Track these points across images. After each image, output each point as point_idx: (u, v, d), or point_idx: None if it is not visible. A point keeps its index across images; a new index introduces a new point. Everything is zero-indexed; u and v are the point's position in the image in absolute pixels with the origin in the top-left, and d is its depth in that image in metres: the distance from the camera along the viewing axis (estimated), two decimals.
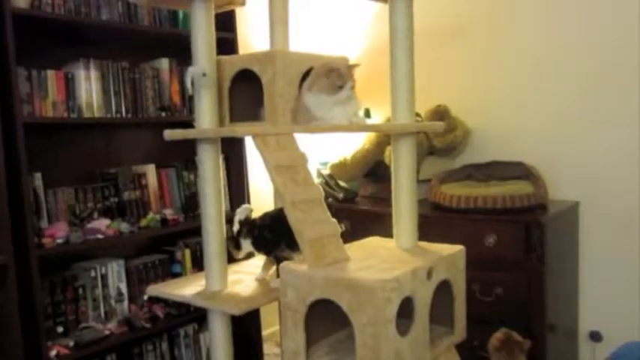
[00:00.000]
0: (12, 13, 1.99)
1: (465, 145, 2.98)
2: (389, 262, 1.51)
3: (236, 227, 1.71)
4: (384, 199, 2.83)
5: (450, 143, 2.83)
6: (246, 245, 1.70)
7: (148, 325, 2.41)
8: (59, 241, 2.18)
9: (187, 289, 1.69)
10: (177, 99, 2.62)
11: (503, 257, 2.32)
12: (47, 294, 2.22)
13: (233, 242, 1.71)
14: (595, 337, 2.63)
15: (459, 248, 1.67)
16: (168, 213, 2.55)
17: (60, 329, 2.24)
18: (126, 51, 2.58)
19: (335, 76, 1.58)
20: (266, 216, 1.70)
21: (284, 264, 1.51)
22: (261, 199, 2.93)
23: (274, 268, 1.70)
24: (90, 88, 2.32)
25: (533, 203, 2.39)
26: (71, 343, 2.18)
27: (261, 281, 1.71)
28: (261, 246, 1.69)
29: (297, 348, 1.48)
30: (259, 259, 1.81)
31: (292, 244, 1.55)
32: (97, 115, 2.34)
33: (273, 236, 1.64)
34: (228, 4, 1.77)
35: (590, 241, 2.64)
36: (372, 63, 2.44)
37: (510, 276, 2.31)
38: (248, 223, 1.71)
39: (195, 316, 2.63)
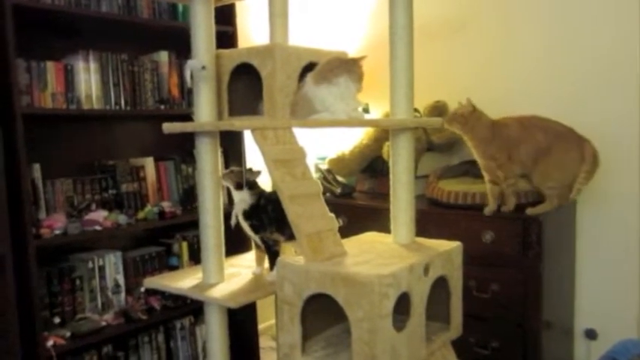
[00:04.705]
0: (12, 4, 1.99)
1: (463, 142, 2.98)
2: (386, 258, 1.52)
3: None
4: (381, 194, 2.83)
5: (449, 139, 2.83)
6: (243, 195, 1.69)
7: (144, 317, 2.42)
8: (57, 232, 2.18)
9: (184, 281, 1.69)
10: (176, 92, 2.62)
11: (500, 254, 2.32)
12: (44, 285, 2.22)
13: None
14: (590, 334, 2.64)
15: (456, 244, 1.67)
16: (166, 205, 2.55)
17: (57, 320, 2.24)
18: (125, 43, 2.57)
19: (356, 65, 1.59)
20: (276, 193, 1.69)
21: (281, 258, 1.52)
22: None
23: (266, 259, 1.71)
24: (89, 80, 2.32)
25: (531, 200, 2.39)
26: (68, 334, 2.19)
27: (258, 275, 1.72)
28: (253, 217, 1.68)
29: (293, 342, 1.48)
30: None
31: (282, 229, 1.55)
32: (95, 106, 2.33)
33: (274, 214, 1.62)
34: None
35: (587, 239, 2.65)
36: (371, 58, 2.43)
37: (507, 273, 2.31)
38: (257, 187, 1.71)
39: (191, 308, 2.63)
